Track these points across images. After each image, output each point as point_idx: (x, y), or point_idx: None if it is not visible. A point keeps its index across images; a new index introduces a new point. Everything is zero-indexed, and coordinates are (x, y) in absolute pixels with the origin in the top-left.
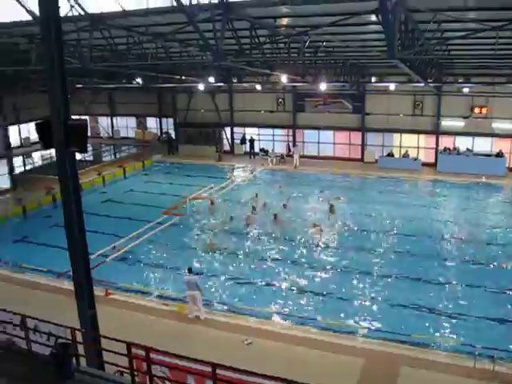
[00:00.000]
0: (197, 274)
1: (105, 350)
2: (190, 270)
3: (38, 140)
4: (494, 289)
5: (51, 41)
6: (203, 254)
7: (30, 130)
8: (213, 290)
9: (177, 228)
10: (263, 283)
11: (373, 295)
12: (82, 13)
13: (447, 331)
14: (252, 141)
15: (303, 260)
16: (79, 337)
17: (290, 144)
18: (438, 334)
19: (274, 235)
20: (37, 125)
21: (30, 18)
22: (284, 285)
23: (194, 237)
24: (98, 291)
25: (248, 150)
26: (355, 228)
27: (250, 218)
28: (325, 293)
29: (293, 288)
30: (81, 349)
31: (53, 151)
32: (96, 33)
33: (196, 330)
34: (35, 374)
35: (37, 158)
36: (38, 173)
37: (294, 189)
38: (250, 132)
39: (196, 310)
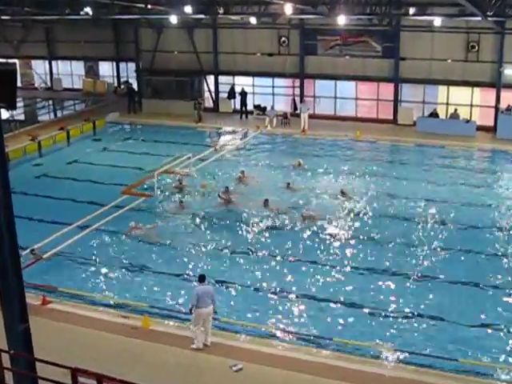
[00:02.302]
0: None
1: (41, 379)
2: (203, 278)
3: None
4: None
5: None
6: (178, 250)
7: None
8: (186, 297)
9: (140, 214)
10: (258, 289)
11: (410, 307)
12: None
13: None
14: (244, 94)
15: (310, 259)
16: (6, 360)
17: (297, 99)
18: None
19: (261, 225)
20: None
21: None
22: (287, 292)
23: (165, 224)
24: (33, 299)
25: (238, 107)
26: (384, 217)
27: (226, 200)
28: (343, 301)
29: (298, 296)
30: (9, 376)
31: None
32: None
33: (166, 351)
34: None
35: None
36: None
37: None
38: (242, 83)
39: (201, 333)
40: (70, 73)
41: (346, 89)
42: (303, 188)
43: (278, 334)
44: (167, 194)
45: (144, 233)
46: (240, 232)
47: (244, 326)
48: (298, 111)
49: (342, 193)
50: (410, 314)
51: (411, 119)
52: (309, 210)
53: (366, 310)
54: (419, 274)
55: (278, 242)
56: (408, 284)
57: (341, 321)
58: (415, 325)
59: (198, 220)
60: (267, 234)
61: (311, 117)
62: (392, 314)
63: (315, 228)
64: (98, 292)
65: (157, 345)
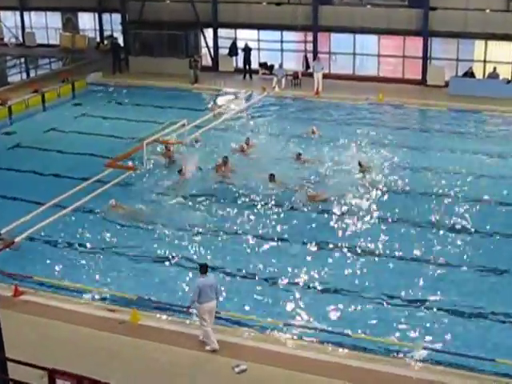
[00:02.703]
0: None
1: (14, 382)
2: (205, 269)
3: None
4: None
5: None
6: (170, 233)
7: None
8: (185, 286)
9: (127, 190)
10: (264, 276)
11: (440, 297)
12: None
13: None
14: (248, 51)
15: (320, 243)
16: None
17: (309, 56)
18: None
19: (268, 202)
20: None
21: None
22: (297, 279)
23: (154, 203)
24: (3, 289)
25: (241, 65)
26: (410, 195)
27: (223, 172)
28: (361, 291)
29: (311, 284)
30: None
31: None
32: None
33: (157, 349)
34: None
35: None
36: None
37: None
38: (245, 37)
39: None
40: (45, 26)
41: (367, 44)
42: (315, 160)
43: (286, 329)
44: (158, 166)
45: (127, 212)
46: (240, 212)
47: (247, 320)
48: (310, 70)
49: (360, 165)
50: (442, 308)
51: (442, 79)
52: (315, 189)
53: (389, 302)
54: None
55: (285, 223)
56: (439, 272)
57: (359, 314)
58: (445, 320)
59: (190, 197)
60: (272, 215)
61: (326, 76)
62: (422, 307)
63: (325, 208)
64: (79, 282)
65: (147, 342)
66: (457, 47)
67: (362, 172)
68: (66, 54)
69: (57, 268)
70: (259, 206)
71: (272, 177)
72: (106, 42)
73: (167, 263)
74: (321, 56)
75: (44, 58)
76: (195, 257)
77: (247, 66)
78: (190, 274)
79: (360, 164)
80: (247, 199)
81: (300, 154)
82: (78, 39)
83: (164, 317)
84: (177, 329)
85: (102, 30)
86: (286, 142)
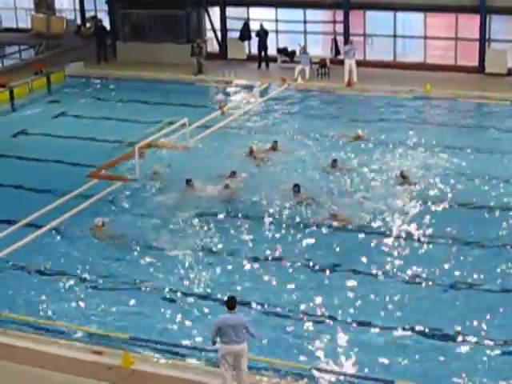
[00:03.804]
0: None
1: None
2: (231, 305)
3: None
4: None
5: None
6: (171, 253)
7: None
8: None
9: (116, 205)
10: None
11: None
12: None
13: None
14: (264, 34)
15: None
16: None
17: (339, 40)
18: None
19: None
20: None
21: None
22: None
23: (151, 220)
24: None
25: (256, 52)
26: (466, 211)
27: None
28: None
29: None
30: None
31: None
32: None
33: None
34: None
35: None
36: None
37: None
38: (260, 17)
39: (232, 378)
40: (13, 6)
41: (411, 24)
42: (352, 168)
43: (319, 375)
44: (153, 176)
45: (114, 235)
46: (253, 232)
47: (270, 364)
48: (341, 56)
49: (403, 176)
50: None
51: (505, 66)
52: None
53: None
54: None
55: (307, 246)
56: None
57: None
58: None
59: (196, 216)
60: (294, 235)
61: (360, 64)
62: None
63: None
64: (57, 318)
65: None
66: None
67: (404, 184)
68: (39, 41)
69: (28, 301)
70: (276, 224)
71: (297, 188)
72: (88, 24)
73: (167, 296)
74: (354, 39)
75: (12, 45)
76: (201, 289)
77: (263, 53)
78: (196, 311)
79: (402, 174)
80: (262, 215)
81: (335, 161)
82: (54, 22)
83: (162, 360)
84: (179, 375)
85: (83, 11)
86: (313, 146)
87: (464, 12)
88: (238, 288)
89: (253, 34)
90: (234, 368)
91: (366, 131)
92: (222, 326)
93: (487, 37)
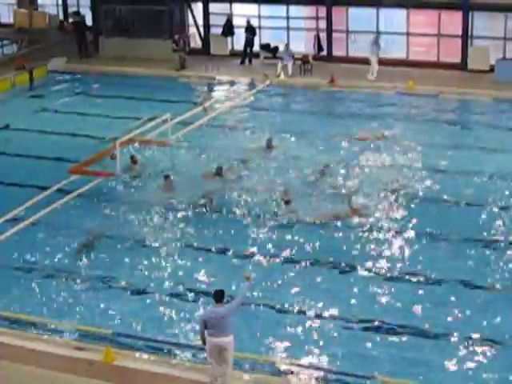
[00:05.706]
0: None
1: None
2: (218, 297)
3: None
4: None
5: None
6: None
7: None
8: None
9: (97, 200)
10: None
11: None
12: None
13: None
14: (251, 32)
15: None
16: None
17: (322, 36)
18: None
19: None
20: None
21: None
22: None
23: (129, 216)
24: None
25: (239, 47)
26: (449, 205)
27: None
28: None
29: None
30: None
31: None
32: None
33: None
34: None
35: None
36: None
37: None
38: (243, 12)
39: (220, 373)
40: None
41: (393, 20)
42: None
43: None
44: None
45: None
46: (244, 231)
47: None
48: (323, 53)
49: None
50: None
51: (487, 63)
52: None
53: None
54: None
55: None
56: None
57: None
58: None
59: (181, 211)
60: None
61: (343, 61)
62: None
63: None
64: (38, 313)
65: None
66: (504, 23)
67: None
68: (21, 36)
69: (9, 297)
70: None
71: (286, 201)
72: (70, 19)
73: (148, 291)
74: (337, 35)
75: None
76: (183, 282)
77: (248, 49)
78: (180, 307)
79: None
80: (250, 214)
81: (270, 140)
82: (37, 17)
83: (145, 356)
84: (162, 371)
85: (65, 6)
86: (300, 146)
87: (446, 9)
88: (222, 284)
89: (241, 31)
90: (219, 362)
91: (347, 126)
92: (206, 319)
93: (469, 33)
